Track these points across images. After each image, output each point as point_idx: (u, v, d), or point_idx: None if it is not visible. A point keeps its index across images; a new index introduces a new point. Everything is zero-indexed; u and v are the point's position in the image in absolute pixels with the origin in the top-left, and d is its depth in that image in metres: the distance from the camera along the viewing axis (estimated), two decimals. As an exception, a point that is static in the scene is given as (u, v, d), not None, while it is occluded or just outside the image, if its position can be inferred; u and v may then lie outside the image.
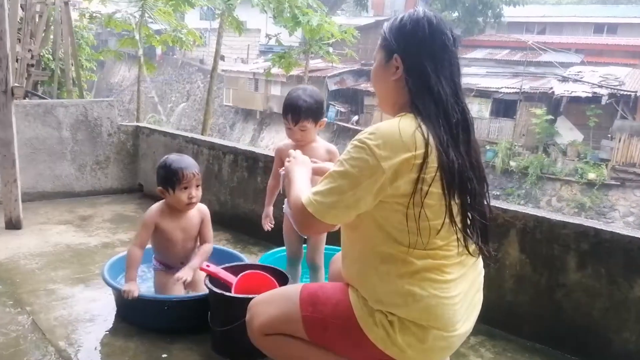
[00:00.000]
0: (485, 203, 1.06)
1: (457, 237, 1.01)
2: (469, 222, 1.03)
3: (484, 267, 1.14)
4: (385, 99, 1.11)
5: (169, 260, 1.76)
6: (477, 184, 1.03)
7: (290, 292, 1.16)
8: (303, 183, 1.15)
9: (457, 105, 1.02)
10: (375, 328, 1.02)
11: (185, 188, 1.64)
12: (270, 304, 1.16)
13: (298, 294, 1.12)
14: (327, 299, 1.10)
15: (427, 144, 0.96)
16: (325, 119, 1.71)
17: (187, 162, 1.66)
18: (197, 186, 1.67)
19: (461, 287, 1.04)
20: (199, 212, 1.75)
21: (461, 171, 0.99)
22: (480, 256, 1.11)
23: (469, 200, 1.01)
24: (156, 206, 1.71)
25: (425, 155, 0.96)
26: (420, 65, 1.02)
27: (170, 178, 1.63)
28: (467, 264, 1.06)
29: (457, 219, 1.01)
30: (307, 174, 1.21)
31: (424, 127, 0.98)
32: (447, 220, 0.99)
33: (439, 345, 1.02)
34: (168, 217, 1.69)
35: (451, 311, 1.01)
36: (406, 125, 0.98)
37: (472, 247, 1.06)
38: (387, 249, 1.02)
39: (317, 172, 1.26)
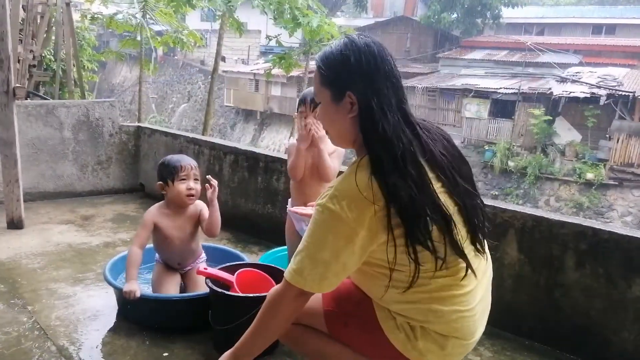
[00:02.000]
0: (479, 205, 1.04)
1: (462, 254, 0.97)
2: (459, 238, 0.97)
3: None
4: (344, 138, 1.04)
5: (168, 259, 1.79)
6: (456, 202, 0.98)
7: None
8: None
9: (405, 133, 0.96)
10: (397, 331, 1.02)
11: (184, 180, 1.69)
12: None
13: None
14: (349, 296, 1.09)
15: (383, 193, 0.90)
16: None
17: (185, 158, 1.75)
18: (196, 180, 1.73)
19: (479, 296, 1.05)
20: (195, 208, 1.77)
21: (414, 200, 0.91)
22: (489, 259, 1.12)
23: (452, 224, 0.95)
24: (155, 206, 1.76)
25: (387, 205, 0.91)
26: (367, 101, 0.96)
27: (169, 171, 1.71)
28: (480, 270, 1.05)
29: (453, 239, 0.95)
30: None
31: (375, 176, 0.92)
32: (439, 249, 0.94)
33: (457, 351, 1.04)
34: (166, 217, 1.73)
35: (471, 322, 1.03)
36: (362, 177, 0.93)
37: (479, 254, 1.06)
38: (399, 281, 0.97)
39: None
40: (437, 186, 0.97)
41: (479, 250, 1.05)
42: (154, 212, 1.73)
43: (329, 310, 1.09)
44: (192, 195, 1.71)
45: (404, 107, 1.00)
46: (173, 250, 1.76)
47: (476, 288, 1.04)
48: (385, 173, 0.92)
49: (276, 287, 1.04)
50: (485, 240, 1.08)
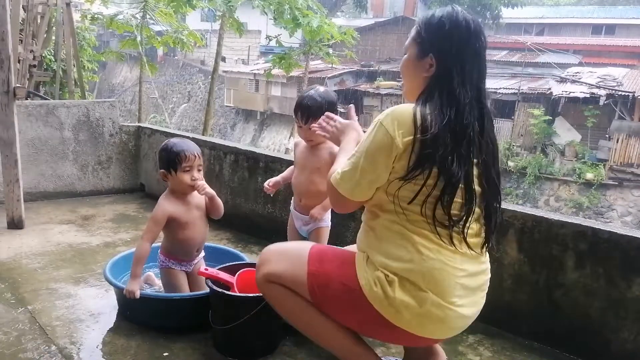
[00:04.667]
0: (496, 207, 1.10)
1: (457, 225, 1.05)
2: (463, 218, 1.05)
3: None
4: (413, 91, 1.14)
5: (185, 248, 1.72)
6: (482, 188, 1.07)
7: (302, 248, 1.21)
8: (341, 157, 1.21)
9: (475, 110, 1.06)
10: (374, 287, 1.05)
11: (187, 170, 1.64)
12: (281, 255, 1.21)
13: (308, 250, 1.17)
14: (334, 257, 1.14)
15: (425, 130, 1.01)
16: None
17: (188, 144, 1.66)
18: (199, 169, 1.67)
19: (468, 267, 1.07)
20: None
21: (453, 170, 1.02)
22: (487, 256, 1.14)
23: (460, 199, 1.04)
24: (163, 200, 1.68)
25: (422, 139, 1.01)
26: (450, 68, 1.06)
27: (172, 160, 1.63)
28: (474, 251, 1.09)
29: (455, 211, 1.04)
30: (353, 142, 1.27)
31: (433, 115, 1.02)
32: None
33: (435, 313, 1.04)
34: (180, 203, 1.68)
35: (452, 280, 1.04)
36: (420, 110, 1.03)
37: (476, 241, 1.09)
38: (396, 211, 1.06)
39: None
40: (475, 172, 1.06)
41: (484, 243, 1.11)
42: (165, 205, 1.66)
43: (313, 270, 1.14)
44: (197, 184, 1.66)
45: (481, 87, 1.08)
46: (194, 234, 1.70)
47: (468, 259, 1.07)
48: (441, 120, 1.01)
49: (328, 178, 1.15)
50: (492, 238, 1.12)
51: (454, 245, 1.05)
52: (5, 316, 1.67)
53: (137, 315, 1.67)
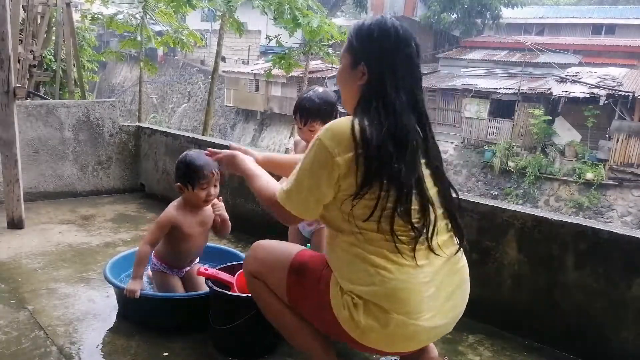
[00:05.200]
0: (457, 202, 1.11)
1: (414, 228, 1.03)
2: (416, 220, 1.03)
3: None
4: (350, 101, 1.14)
5: (180, 258, 1.75)
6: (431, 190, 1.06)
7: (287, 252, 1.22)
8: (264, 176, 1.24)
9: (413, 114, 1.05)
10: (343, 310, 1.06)
11: (204, 188, 1.64)
12: (269, 254, 1.24)
13: (291, 258, 1.19)
14: (312, 272, 1.14)
15: (366, 143, 1.00)
16: None
17: (208, 162, 1.63)
18: (216, 185, 1.67)
19: (434, 278, 1.05)
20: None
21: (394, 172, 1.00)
22: (461, 253, 1.13)
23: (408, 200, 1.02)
24: (173, 206, 1.69)
25: (365, 154, 1.00)
26: (381, 74, 1.06)
27: (191, 176, 1.63)
28: (442, 255, 1.07)
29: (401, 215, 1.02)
30: (252, 163, 1.31)
31: (372, 126, 1.02)
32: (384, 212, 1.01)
33: (401, 332, 1.03)
34: (188, 213, 1.69)
35: (418, 297, 1.02)
36: (357, 124, 1.03)
37: (441, 241, 1.08)
38: (352, 231, 1.05)
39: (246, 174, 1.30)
40: (426, 173, 1.06)
41: (447, 242, 1.10)
42: (173, 213, 1.67)
43: (291, 281, 1.16)
44: (210, 201, 1.69)
45: (416, 92, 1.08)
46: (191, 247, 1.73)
47: (434, 269, 1.06)
48: (377, 130, 1.01)
49: (272, 196, 1.14)
50: (456, 237, 1.12)
51: (416, 260, 1.03)
52: (5, 316, 1.67)
53: (136, 315, 1.68)
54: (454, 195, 1.11)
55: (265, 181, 1.21)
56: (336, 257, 1.09)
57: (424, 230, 1.03)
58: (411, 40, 1.08)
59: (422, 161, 1.06)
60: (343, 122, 1.04)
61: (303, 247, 1.24)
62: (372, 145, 1.00)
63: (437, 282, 1.06)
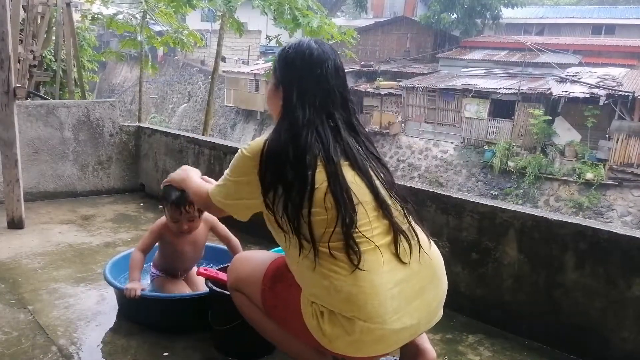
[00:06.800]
0: (403, 196, 1.11)
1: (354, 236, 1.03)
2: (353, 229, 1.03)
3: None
4: (275, 119, 1.21)
5: (173, 269, 1.78)
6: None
7: (263, 261, 1.25)
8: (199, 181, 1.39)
9: (322, 127, 1.09)
10: (311, 318, 1.08)
11: (176, 222, 1.63)
12: (246, 265, 1.29)
13: (266, 266, 1.22)
14: (285, 279, 1.16)
15: (267, 155, 1.09)
16: None
17: (180, 201, 1.57)
18: (191, 220, 1.63)
19: (392, 278, 1.03)
20: (205, 223, 1.74)
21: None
22: (429, 245, 1.12)
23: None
24: (164, 219, 1.69)
25: (265, 164, 1.09)
26: (290, 94, 1.13)
27: (165, 204, 1.64)
28: (395, 252, 1.06)
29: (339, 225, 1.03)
30: (197, 174, 1.45)
31: (271, 141, 1.10)
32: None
33: (367, 338, 1.02)
34: (178, 234, 1.68)
35: (376, 301, 1.01)
36: (266, 138, 1.11)
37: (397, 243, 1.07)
38: (295, 245, 1.07)
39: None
40: (353, 180, 1.07)
41: (402, 239, 1.08)
42: (162, 224, 1.68)
43: (265, 289, 1.20)
44: (184, 233, 1.67)
45: (331, 110, 1.12)
46: (183, 262, 1.76)
47: (391, 269, 1.04)
48: (278, 147, 1.09)
49: (204, 192, 1.28)
50: (419, 233, 1.11)
51: (361, 262, 1.02)
52: (5, 316, 1.67)
53: (136, 315, 1.68)
54: (395, 191, 1.11)
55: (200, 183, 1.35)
56: (295, 271, 1.12)
57: (351, 232, 1.02)
58: (325, 62, 1.13)
59: (344, 163, 1.08)
60: (261, 137, 1.14)
61: (282, 255, 1.23)
62: (270, 156, 1.08)
63: (398, 281, 1.04)
